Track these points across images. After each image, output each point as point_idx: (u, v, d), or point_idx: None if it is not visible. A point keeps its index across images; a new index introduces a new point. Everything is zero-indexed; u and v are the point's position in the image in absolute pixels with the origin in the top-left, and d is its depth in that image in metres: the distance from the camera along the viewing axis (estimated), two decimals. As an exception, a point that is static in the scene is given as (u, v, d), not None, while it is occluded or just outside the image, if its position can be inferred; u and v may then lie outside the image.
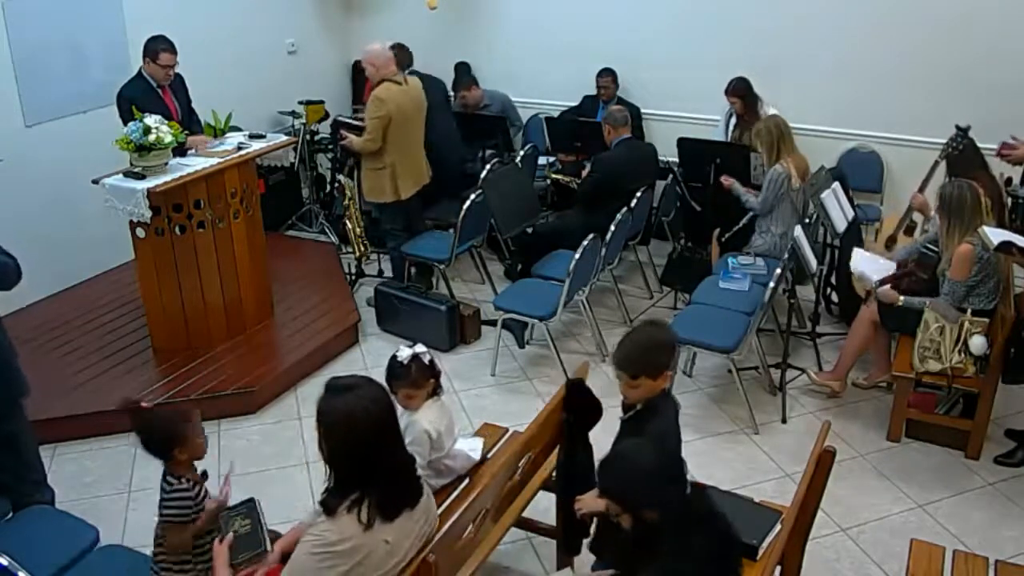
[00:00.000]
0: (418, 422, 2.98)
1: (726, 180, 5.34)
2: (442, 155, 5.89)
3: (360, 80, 7.41)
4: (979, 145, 4.81)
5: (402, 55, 6.06)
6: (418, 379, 2.99)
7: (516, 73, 6.94)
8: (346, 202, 5.88)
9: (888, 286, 4.31)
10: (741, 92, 5.82)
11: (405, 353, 2.97)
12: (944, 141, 4.75)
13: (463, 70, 6.91)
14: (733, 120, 6.02)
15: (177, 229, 4.70)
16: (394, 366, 2.98)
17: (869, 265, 4.47)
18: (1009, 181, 5.11)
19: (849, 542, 3.63)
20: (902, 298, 4.22)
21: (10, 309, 4.59)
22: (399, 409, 3.11)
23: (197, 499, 2.59)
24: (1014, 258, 3.96)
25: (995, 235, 3.86)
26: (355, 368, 4.97)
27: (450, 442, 3.13)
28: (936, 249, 4.35)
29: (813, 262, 4.52)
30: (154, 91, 5.01)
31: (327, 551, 2.23)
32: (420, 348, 3.01)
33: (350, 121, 5.82)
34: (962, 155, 4.61)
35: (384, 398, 2.35)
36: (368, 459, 2.27)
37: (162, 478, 2.63)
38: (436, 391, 3.07)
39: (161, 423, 2.61)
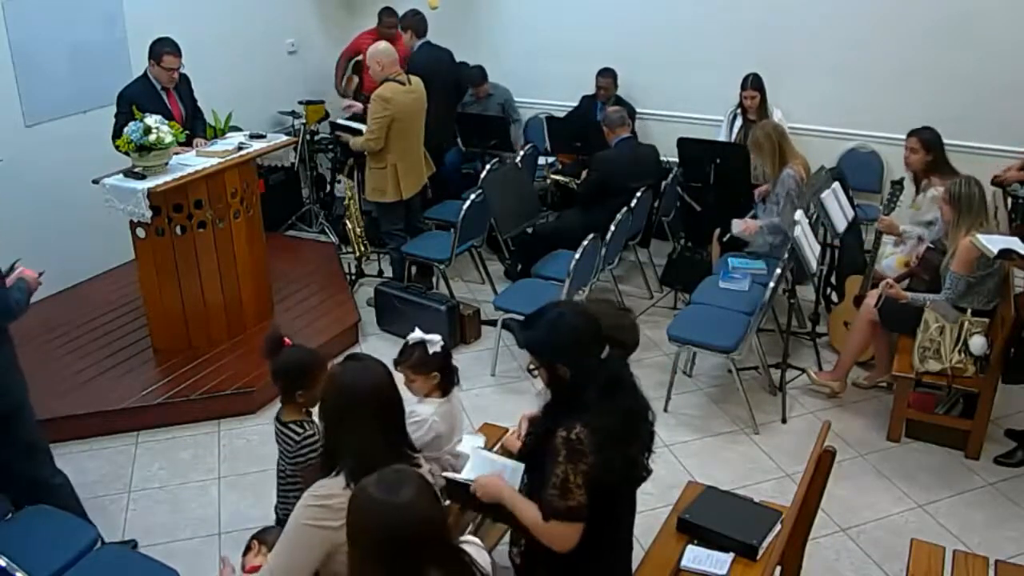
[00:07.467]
0: (415, 413, 2.98)
1: (745, 225, 5.08)
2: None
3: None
4: (979, 145, 4.80)
5: (418, 23, 6.03)
6: (418, 364, 3.03)
7: (516, 72, 6.93)
8: (346, 202, 5.88)
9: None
10: (760, 86, 5.81)
11: (415, 335, 3.05)
12: (946, 143, 4.74)
13: (477, 71, 6.82)
14: (738, 122, 6.00)
15: (177, 229, 4.70)
16: (403, 345, 3.07)
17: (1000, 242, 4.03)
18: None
19: (849, 542, 3.63)
20: (908, 295, 4.22)
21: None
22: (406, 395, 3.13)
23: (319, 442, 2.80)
24: (1015, 263, 3.95)
25: (993, 243, 3.84)
26: (355, 368, 4.96)
27: (448, 446, 3.12)
28: (936, 248, 4.35)
29: (813, 262, 4.52)
30: (156, 92, 5.00)
31: (318, 503, 2.26)
32: (434, 337, 3.04)
33: (347, 123, 5.82)
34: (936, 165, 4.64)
35: (380, 374, 2.38)
36: (347, 423, 2.30)
37: (281, 425, 2.89)
38: (445, 389, 3.08)
39: (297, 361, 2.88)
